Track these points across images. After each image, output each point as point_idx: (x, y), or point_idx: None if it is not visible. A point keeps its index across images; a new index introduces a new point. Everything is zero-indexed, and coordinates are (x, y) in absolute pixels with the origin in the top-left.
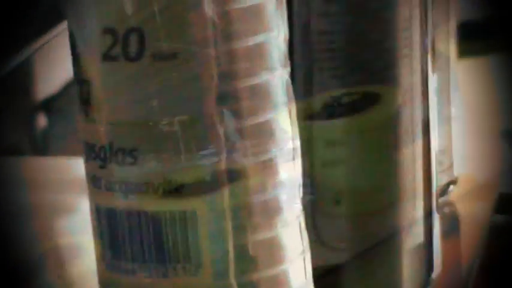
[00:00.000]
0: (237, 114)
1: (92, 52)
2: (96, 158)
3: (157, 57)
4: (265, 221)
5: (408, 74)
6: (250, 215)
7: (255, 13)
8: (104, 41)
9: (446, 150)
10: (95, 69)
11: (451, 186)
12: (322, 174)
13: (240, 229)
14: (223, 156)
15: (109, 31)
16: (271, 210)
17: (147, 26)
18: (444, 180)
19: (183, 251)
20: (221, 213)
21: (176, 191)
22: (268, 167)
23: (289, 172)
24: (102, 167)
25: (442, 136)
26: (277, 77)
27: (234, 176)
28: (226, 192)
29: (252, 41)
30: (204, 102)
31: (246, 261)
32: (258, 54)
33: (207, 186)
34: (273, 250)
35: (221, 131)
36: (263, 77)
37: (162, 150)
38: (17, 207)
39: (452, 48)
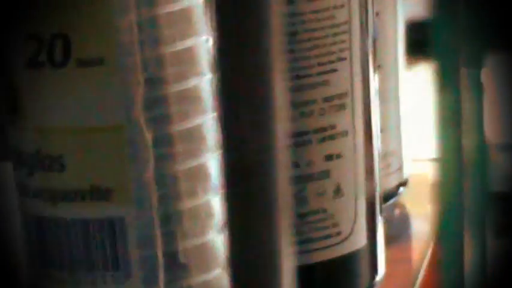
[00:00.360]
0: (166, 120)
1: (17, 58)
2: (23, 165)
3: (83, 63)
4: (197, 227)
5: (348, 76)
6: (180, 221)
7: (184, 17)
8: (29, 47)
9: (396, 152)
10: (20, 76)
11: (401, 188)
12: None
13: (170, 236)
14: (152, 162)
15: (34, 37)
16: (203, 216)
17: (72, 32)
18: (393, 182)
19: (111, 259)
20: (150, 220)
21: (104, 198)
22: (199, 171)
23: (220, 176)
24: (29, 175)
25: (391, 138)
26: (207, 82)
27: (163, 182)
28: (154, 198)
29: (180, 46)
30: (131, 108)
31: (176, 268)
32: (187, 58)
33: (135, 193)
34: (205, 256)
35: (149, 137)
36: (192, 82)
37: (89, 157)
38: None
39: (400, 50)
